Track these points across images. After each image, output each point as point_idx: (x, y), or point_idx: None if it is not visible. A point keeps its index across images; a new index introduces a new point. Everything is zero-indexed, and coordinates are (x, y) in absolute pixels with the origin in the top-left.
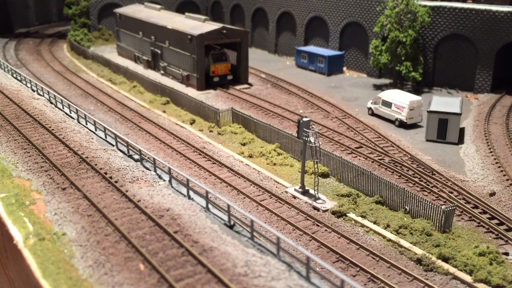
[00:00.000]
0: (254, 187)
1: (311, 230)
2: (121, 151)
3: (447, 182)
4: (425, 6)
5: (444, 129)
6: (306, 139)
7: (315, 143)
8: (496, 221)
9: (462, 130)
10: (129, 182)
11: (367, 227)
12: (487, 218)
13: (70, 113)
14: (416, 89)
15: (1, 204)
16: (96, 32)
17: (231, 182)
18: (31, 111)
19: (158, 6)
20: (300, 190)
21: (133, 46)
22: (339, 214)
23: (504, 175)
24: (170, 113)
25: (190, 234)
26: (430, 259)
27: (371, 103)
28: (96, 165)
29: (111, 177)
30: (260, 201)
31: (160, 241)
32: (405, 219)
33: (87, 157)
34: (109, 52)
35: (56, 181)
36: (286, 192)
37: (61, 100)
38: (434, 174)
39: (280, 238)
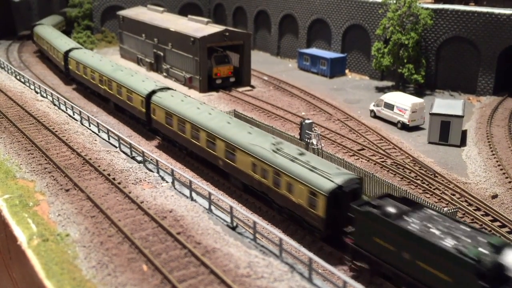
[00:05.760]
0: None
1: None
2: (124, 152)
3: (449, 184)
4: (427, 8)
5: (446, 132)
6: (308, 141)
7: (317, 145)
8: (498, 223)
9: (464, 133)
10: (132, 183)
11: None
12: (489, 220)
13: (74, 114)
14: (418, 92)
15: (5, 205)
16: (99, 34)
17: None
18: (35, 113)
19: (161, 9)
20: None
21: (136, 48)
22: None
23: (507, 178)
24: None
25: (193, 235)
26: None
27: (373, 105)
28: (99, 166)
29: (114, 179)
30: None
31: (163, 242)
32: None
33: (90, 159)
34: (112, 54)
35: (60, 183)
36: None
37: (65, 102)
38: (436, 176)
39: (283, 240)
